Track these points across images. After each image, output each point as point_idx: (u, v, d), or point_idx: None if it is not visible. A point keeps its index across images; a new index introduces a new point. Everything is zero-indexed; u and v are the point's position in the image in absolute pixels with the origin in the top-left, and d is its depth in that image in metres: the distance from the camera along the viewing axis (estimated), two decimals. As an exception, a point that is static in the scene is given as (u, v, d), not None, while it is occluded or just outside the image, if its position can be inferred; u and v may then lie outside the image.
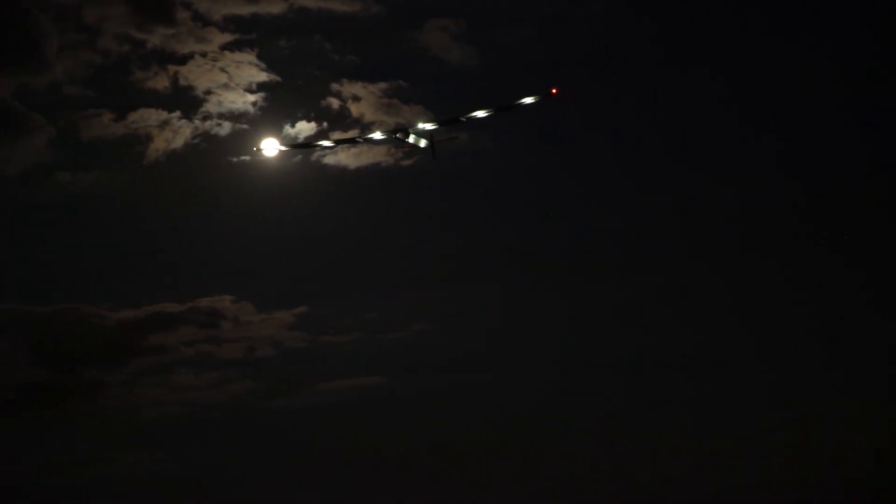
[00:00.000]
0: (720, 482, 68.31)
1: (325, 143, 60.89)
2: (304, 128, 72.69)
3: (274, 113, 74.89)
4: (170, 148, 74.66)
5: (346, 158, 74.30)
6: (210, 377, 73.64)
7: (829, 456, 68.04)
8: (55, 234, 75.21)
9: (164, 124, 74.72)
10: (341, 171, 74.66)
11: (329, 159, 73.97)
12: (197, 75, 74.83)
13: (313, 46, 76.69)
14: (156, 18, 74.48)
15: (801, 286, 73.94)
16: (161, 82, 75.01)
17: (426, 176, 74.13)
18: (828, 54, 75.40)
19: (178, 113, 74.86)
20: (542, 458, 69.79)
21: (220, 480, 69.89)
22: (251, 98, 74.71)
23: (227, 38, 75.10)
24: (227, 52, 75.13)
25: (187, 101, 75.02)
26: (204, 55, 74.92)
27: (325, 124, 73.28)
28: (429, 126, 53.81)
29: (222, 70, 74.87)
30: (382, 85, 75.79)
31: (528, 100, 51.38)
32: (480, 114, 52.31)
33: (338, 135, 71.81)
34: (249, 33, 75.64)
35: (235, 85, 74.79)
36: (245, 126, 74.58)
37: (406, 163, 74.17)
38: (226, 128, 74.73)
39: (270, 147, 58.27)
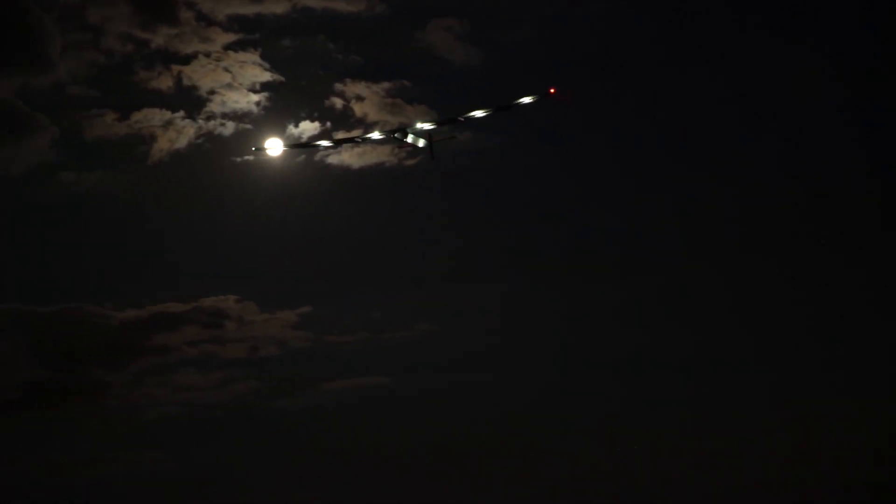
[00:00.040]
0: (720, 482, 68.16)
1: (324, 142, 60.53)
2: (308, 128, 72.93)
3: (277, 113, 75.20)
4: (173, 148, 74.92)
5: (350, 158, 74.49)
6: (214, 377, 73.83)
7: (829, 456, 67.91)
8: (59, 233, 75.53)
9: (168, 124, 75.00)
10: (345, 171, 74.86)
11: (332, 159, 74.24)
12: (200, 75, 75.07)
13: (317, 46, 76.96)
14: (159, 18, 74.86)
15: (801, 286, 74.13)
16: (165, 82, 75.34)
17: (429, 176, 74.32)
18: (828, 54, 75.63)
19: (181, 113, 75.16)
20: (542, 458, 69.74)
21: (223, 480, 69.93)
22: (255, 98, 74.96)
23: (231, 37, 75.40)
24: (230, 52, 75.41)
25: (191, 101, 75.34)
26: (207, 55, 75.19)
27: (328, 124, 73.60)
28: (427, 126, 53.72)
29: (226, 70, 75.13)
30: (386, 85, 76.05)
31: (526, 99, 51.16)
32: (479, 113, 52.14)
33: (340, 134, 71.86)
34: (253, 33, 75.97)
35: (239, 85, 75.05)
36: (249, 126, 74.84)
37: (409, 162, 74.33)
38: (229, 128, 74.97)
39: (268, 147, 58.57)
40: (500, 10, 77.80)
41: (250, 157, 72.04)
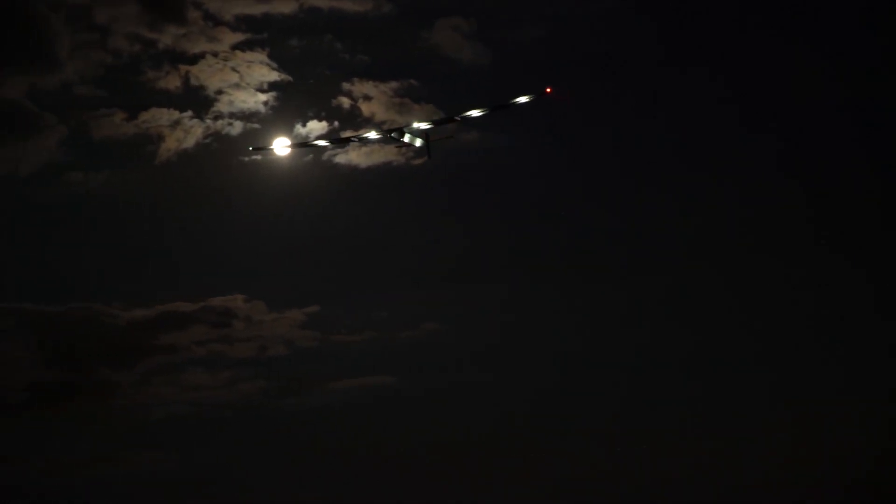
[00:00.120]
0: (720, 482, 68.11)
1: (321, 142, 60.81)
2: (316, 127, 72.58)
3: (285, 112, 75.20)
4: (181, 147, 75.11)
5: (358, 158, 74.54)
6: (222, 376, 73.93)
7: (829, 456, 67.79)
8: (66, 233, 75.62)
9: (176, 124, 75.19)
10: (352, 171, 74.87)
11: (340, 158, 74.28)
12: (208, 75, 75.22)
13: (324, 46, 77.14)
14: (167, 18, 75.04)
15: (801, 286, 73.90)
16: (172, 82, 75.52)
17: (436, 175, 74.56)
18: (828, 54, 75.53)
19: (189, 112, 75.32)
20: (542, 458, 69.75)
21: (231, 480, 70.05)
22: (262, 97, 75.07)
23: (239, 37, 75.60)
24: (238, 52, 75.56)
25: (198, 101, 75.49)
26: (215, 55, 75.34)
27: (336, 123, 73.49)
28: (424, 125, 53.93)
29: (233, 70, 75.26)
30: (393, 84, 76.10)
31: (523, 99, 51.31)
32: (476, 113, 52.34)
33: (348, 134, 71.99)
34: (260, 33, 76.10)
35: (246, 84, 75.15)
36: (256, 125, 74.91)
37: (417, 162, 73.86)
38: (237, 127, 75.10)
39: (266, 146, 59.07)
40: (509, 9, 78.07)
41: (258, 157, 71.50)
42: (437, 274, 75.58)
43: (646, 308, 74.82)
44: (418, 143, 54.41)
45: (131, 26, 74.62)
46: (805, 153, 75.69)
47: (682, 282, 74.48)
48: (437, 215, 77.27)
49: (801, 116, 75.60)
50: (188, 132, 74.90)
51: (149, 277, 75.19)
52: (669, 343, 72.86)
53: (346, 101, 75.48)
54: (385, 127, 56.86)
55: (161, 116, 74.98)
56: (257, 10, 75.47)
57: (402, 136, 54.22)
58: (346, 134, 59.78)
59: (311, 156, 72.44)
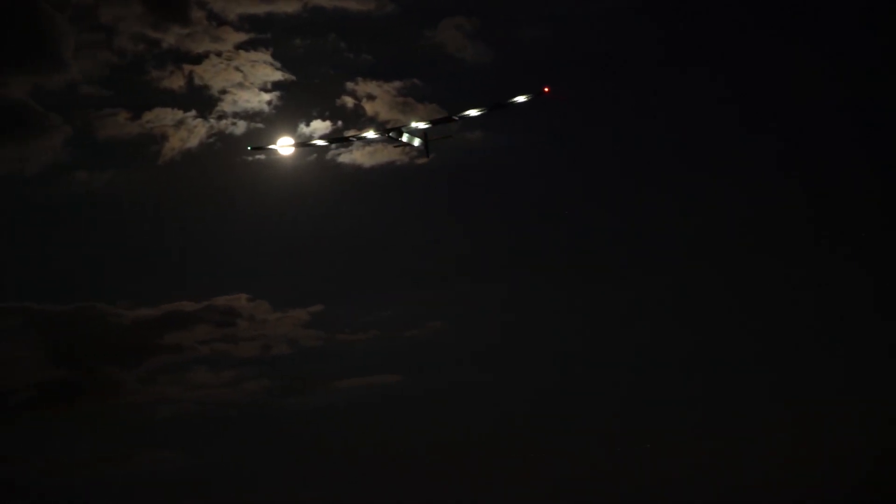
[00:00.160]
0: (720, 482, 68.18)
1: (320, 142, 60.75)
2: (319, 126, 72.76)
3: (289, 112, 75.35)
4: (185, 147, 75.17)
5: (361, 157, 74.67)
6: (226, 376, 74.08)
7: (829, 456, 67.81)
8: (71, 233, 75.69)
9: (180, 124, 75.30)
10: (356, 170, 75.00)
11: (344, 158, 74.39)
12: (212, 74, 75.34)
13: (328, 45, 77.12)
14: (171, 18, 75.13)
15: (801, 286, 73.82)
16: (176, 82, 75.64)
17: (437, 175, 74.62)
18: (828, 54, 75.34)
19: (193, 112, 75.43)
20: (542, 458, 69.83)
21: (235, 479, 70.41)
22: (266, 97, 75.19)
23: (242, 37, 75.66)
24: (241, 52, 75.63)
25: (202, 101, 75.59)
26: (219, 54, 75.45)
27: (339, 123, 73.58)
28: (422, 125, 54.00)
29: (237, 69, 75.38)
30: (397, 83, 76.19)
31: (521, 98, 51.12)
32: (474, 112, 52.26)
33: (352, 133, 72.10)
34: (264, 32, 76.18)
35: (250, 84, 75.27)
36: (260, 125, 75.01)
37: (421, 161, 74.05)
38: (241, 127, 75.18)
39: (265, 147, 59.31)
40: (512, 8, 78.11)
41: (262, 157, 71.91)
42: (438, 274, 75.91)
43: (646, 308, 74.95)
44: (417, 142, 54.42)
45: (136, 26, 74.96)
46: (805, 153, 75.76)
47: (682, 282, 74.69)
48: (437, 215, 77.62)
49: (801, 116, 75.71)
50: (192, 132, 75.19)
51: (153, 277, 75.48)
52: (669, 343, 73.06)
53: (349, 101, 75.76)
54: (385, 127, 56.99)
55: (165, 116, 75.29)
56: (261, 9, 75.78)
57: (401, 135, 54.21)
58: (348, 133, 59.82)
59: (315, 155, 72.81)
